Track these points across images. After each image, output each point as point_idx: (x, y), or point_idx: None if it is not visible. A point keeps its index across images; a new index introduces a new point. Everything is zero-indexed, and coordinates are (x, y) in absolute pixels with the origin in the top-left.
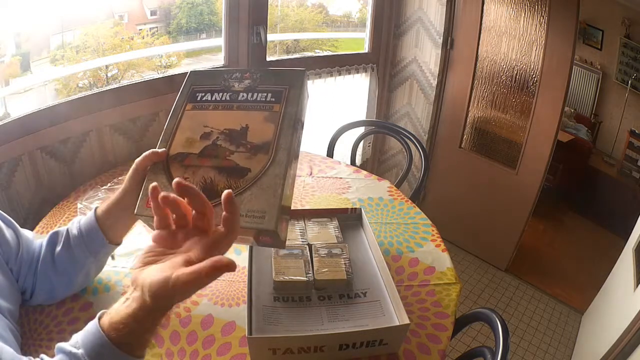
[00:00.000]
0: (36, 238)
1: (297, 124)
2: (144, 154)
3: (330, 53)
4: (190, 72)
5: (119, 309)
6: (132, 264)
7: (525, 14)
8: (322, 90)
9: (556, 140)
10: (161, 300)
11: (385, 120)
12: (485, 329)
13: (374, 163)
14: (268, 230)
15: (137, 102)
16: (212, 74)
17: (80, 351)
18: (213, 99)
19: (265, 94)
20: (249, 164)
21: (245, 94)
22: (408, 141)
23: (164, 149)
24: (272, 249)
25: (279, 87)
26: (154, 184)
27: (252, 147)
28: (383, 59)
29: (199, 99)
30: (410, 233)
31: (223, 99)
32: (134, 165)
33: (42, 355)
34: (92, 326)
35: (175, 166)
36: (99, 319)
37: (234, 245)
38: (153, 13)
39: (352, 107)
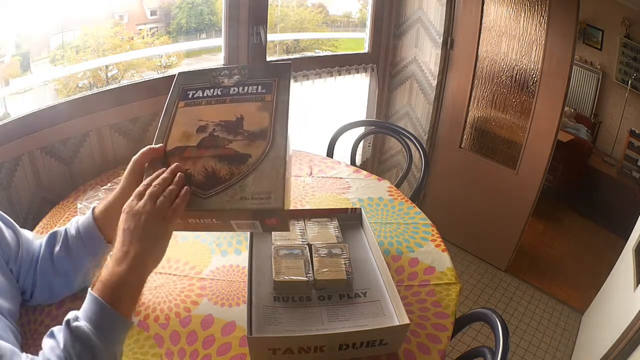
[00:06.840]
0: (36, 238)
1: (289, 113)
2: (141, 151)
3: (330, 53)
4: (179, 73)
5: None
6: None
7: (525, 14)
8: (322, 90)
9: (556, 140)
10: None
11: (385, 120)
12: (485, 329)
13: (374, 163)
14: (275, 209)
15: (137, 102)
16: (200, 74)
17: (72, 316)
18: (205, 95)
19: (256, 86)
20: (249, 150)
21: (236, 88)
22: (408, 141)
23: (161, 144)
24: (272, 249)
25: (268, 79)
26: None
27: (250, 135)
28: (383, 59)
29: (190, 96)
30: (410, 233)
31: (215, 94)
32: (131, 163)
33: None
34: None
35: (175, 160)
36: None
37: (235, 246)
38: (153, 13)
39: (352, 107)
